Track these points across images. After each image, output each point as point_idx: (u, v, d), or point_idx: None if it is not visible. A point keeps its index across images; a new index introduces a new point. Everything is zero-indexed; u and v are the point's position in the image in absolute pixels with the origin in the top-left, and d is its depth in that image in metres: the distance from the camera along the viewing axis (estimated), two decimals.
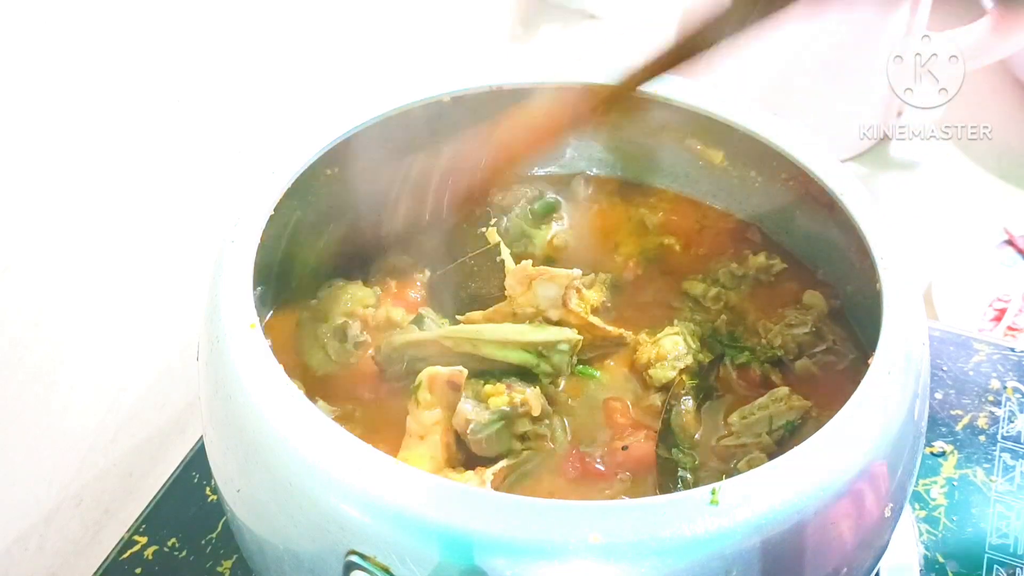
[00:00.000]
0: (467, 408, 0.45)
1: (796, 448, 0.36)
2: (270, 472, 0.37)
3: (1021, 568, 0.54)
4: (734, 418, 0.48)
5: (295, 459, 0.36)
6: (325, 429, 0.37)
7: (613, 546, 0.33)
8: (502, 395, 0.46)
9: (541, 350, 0.49)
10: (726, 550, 0.34)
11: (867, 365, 0.40)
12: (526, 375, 0.49)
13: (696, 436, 0.48)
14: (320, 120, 0.52)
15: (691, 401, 0.49)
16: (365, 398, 0.50)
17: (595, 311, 0.53)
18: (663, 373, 0.50)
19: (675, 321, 0.53)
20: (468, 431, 0.45)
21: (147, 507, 0.59)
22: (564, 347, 0.48)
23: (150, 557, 0.56)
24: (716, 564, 0.34)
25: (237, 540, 0.45)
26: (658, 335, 0.51)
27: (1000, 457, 0.61)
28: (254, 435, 0.38)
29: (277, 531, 0.39)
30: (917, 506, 0.58)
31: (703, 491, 0.34)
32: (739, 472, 0.41)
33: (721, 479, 0.35)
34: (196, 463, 0.62)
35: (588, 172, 0.63)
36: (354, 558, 0.35)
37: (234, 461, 0.40)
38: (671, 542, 0.33)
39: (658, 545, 0.33)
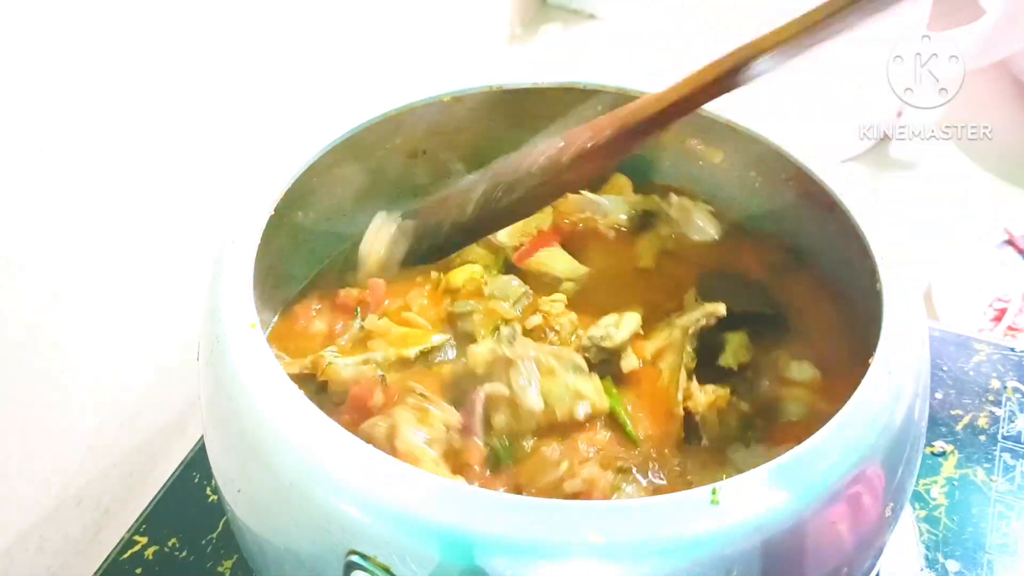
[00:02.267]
0: None
1: (797, 447, 0.36)
2: (271, 472, 0.37)
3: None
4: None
5: (296, 459, 0.36)
6: (326, 429, 0.37)
7: (614, 546, 0.33)
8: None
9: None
10: (727, 549, 0.34)
11: (867, 365, 0.40)
12: None
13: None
14: (320, 120, 0.53)
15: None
16: None
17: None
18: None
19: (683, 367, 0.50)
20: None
21: (147, 507, 0.59)
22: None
23: (150, 557, 0.56)
24: (717, 564, 0.34)
25: (237, 540, 0.45)
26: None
27: (1000, 457, 0.61)
28: (255, 435, 0.38)
29: (278, 531, 0.39)
30: (917, 506, 0.58)
31: (703, 491, 0.34)
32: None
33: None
34: (196, 463, 0.62)
35: None
36: (355, 558, 0.35)
37: (235, 461, 0.41)
38: (672, 542, 0.33)
39: (659, 545, 0.33)
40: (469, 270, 0.53)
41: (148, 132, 0.60)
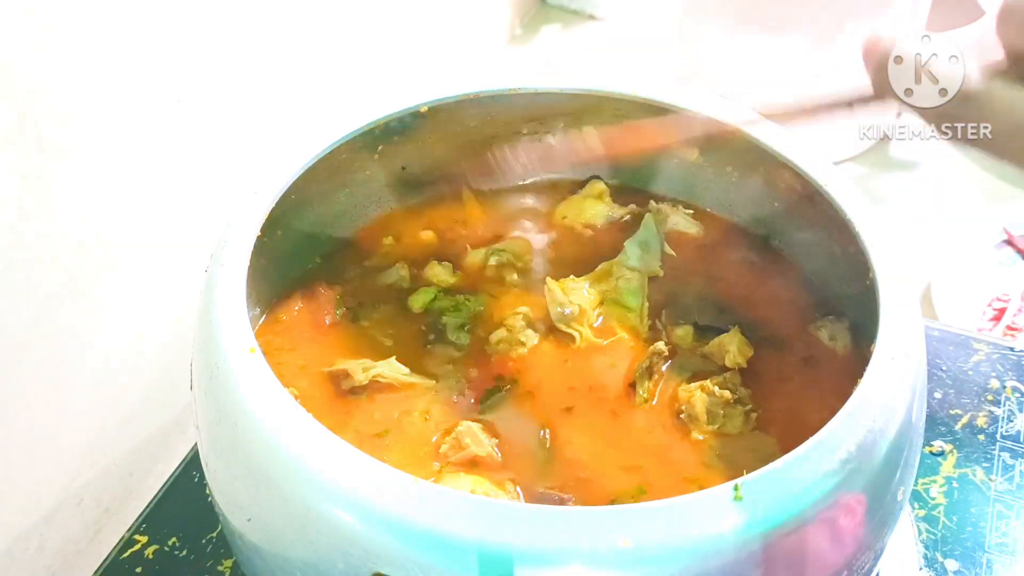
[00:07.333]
0: None
1: (805, 443, 0.36)
2: (284, 499, 0.36)
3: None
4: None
5: (312, 484, 0.36)
6: (341, 450, 0.36)
7: (641, 549, 0.33)
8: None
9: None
10: (755, 544, 0.34)
11: (866, 364, 0.40)
12: None
13: None
14: (308, 132, 0.52)
15: None
16: None
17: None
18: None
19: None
20: None
21: (148, 506, 0.59)
22: None
23: (151, 556, 0.57)
24: (745, 560, 0.34)
25: (244, 568, 0.44)
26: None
27: (999, 456, 0.61)
28: (265, 463, 0.37)
29: (295, 558, 0.38)
30: (916, 505, 0.58)
31: (725, 488, 0.34)
32: None
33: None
34: (196, 463, 0.62)
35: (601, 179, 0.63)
36: None
37: (244, 490, 0.39)
38: (700, 541, 0.33)
39: (688, 545, 0.33)
40: (426, 293, 0.55)
41: (148, 132, 0.60)
